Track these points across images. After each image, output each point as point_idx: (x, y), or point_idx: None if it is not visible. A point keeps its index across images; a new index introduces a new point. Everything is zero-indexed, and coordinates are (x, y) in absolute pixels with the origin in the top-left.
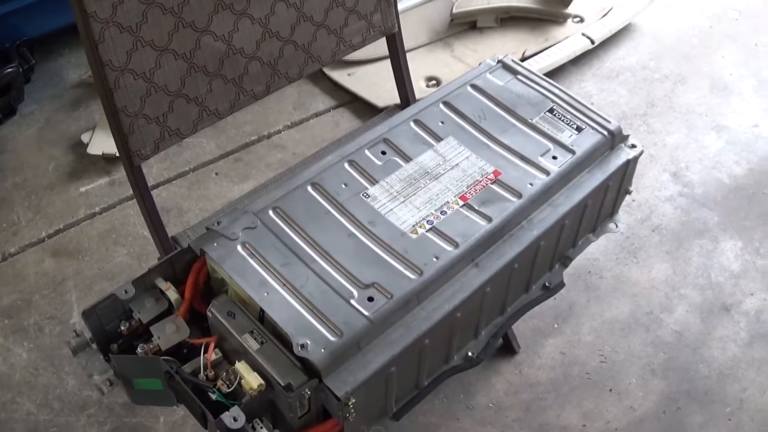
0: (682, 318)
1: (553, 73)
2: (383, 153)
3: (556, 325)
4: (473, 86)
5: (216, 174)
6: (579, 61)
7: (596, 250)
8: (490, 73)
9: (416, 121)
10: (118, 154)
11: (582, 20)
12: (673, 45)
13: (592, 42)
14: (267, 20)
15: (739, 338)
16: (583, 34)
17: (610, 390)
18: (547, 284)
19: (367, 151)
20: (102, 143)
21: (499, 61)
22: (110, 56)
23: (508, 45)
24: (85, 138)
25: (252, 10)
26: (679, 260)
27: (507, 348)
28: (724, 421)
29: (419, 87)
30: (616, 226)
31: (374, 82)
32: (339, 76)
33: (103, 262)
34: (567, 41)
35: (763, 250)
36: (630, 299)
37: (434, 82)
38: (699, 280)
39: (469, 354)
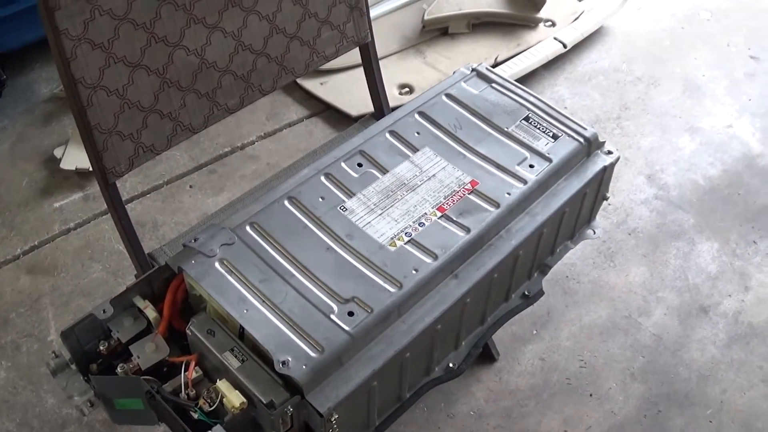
0: (661, 321)
1: (526, 78)
2: (359, 165)
3: (534, 332)
4: (448, 95)
5: (190, 187)
6: (551, 65)
7: (573, 255)
8: (464, 82)
9: (392, 132)
10: (91, 169)
11: (554, 24)
12: (645, 47)
13: (564, 46)
14: (239, 33)
15: (717, 340)
16: (555, 38)
17: (591, 395)
18: (526, 293)
19: (343, 164)
20: (75, 158)
21: (473, 70)
22: (83, 73)
23: (480, 51)
24: (58, 153)
25: (224, 23)
26: (656, 263)
27: (486, 355)
28: (705, 423)
29: (392, 94)
30: (594, 232)
31: (347, 91)
32: (312, 85)
33: (79, 279)
34: (539, 46)
35: (739, 251)
36: (608, 303)
37: (407, 89)
38: (676, 283)
39: (450, 365)
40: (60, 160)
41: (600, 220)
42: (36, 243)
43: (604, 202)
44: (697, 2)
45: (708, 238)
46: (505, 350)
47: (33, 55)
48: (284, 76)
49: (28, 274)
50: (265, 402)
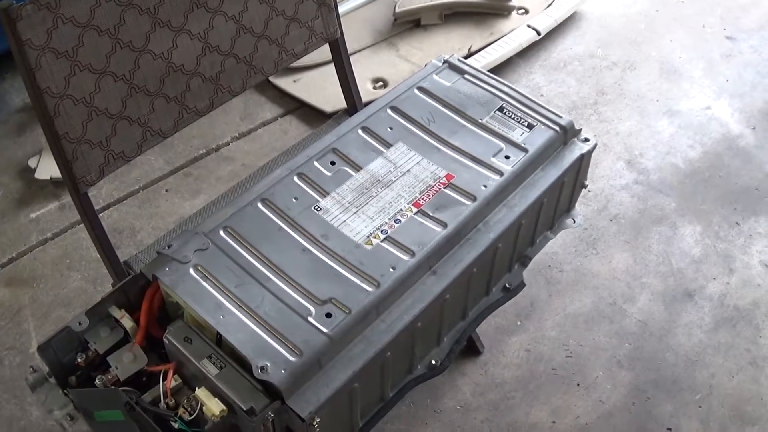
0: (646, 307)
1: (501, 67)
2: (332, 163)
3: (519, 323)
4: (420, 89)
5: (166, 191)
6: (526, 53)
7: (555, 244)
8: (436, 75)
9: (364, 129)
10: None
11: (527, 12)
12: (620, 31)
13: (538, 33)
14: (206, 35)
15: (704, 324)
16: (528, 26)
17: (578, 384)
18: (507, 285)
19: (316, 163)
20: (50, 167)
21: (445, 62)
22: (48, 83)
23: (453, 41)
24: (32, 163)
25: (190, 25)
26: (639, 249)
27: (471, 349)
28: (695, 408)
29: (366, 89)
30: (574, 221)
31: (321, 87)
32: (284, 83)
33: (58, 288)
34: (513, 34)
35: (722, 233)
36: (592, 291)
37: (381, 83)
38: (660, 268)
39: (433, 362)
40: (35, 170)
41: (580, 207)
42: (14, 255)
43: (584, 190)
44: None
45: (690, 222)
46: (489, 343)
47: (3, 65)
48: (254, 75)
49: (7, 286)
50: (245, 409)
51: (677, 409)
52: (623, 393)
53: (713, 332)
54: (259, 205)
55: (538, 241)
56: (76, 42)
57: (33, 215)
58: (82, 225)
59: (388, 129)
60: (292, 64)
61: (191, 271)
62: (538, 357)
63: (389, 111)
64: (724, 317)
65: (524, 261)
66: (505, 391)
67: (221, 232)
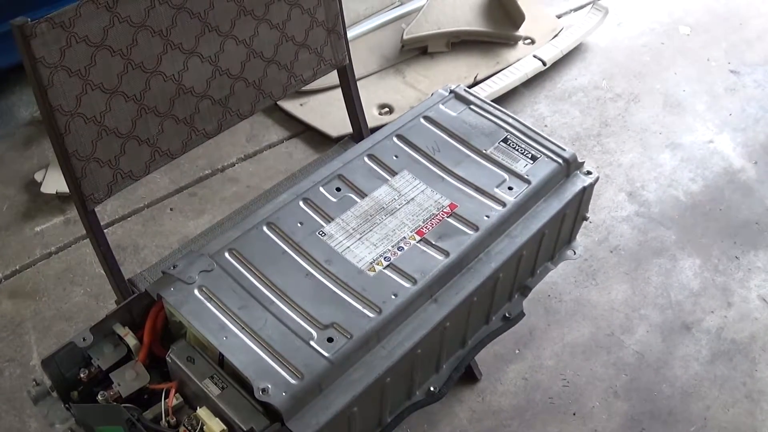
0: (643, 338)
1: (506, 96)
2: (338, 189)
3: (517, 351)
4: (426, 118)
5: (171, 209)
6: (531, 83)
7: (555, 274)
8: (442, 104)
9: (370, 156)
10: None
11: (533, 42)
12: (625, 63)
13: (544, 63)
14: (216, 58)
15: (700, 356)
16: (534, 56)
17: (574, 414)
18: (507, 315)
19: (321, 188)
20: (56, 182)
21: (451, 92)
22: (60, 101)
23: (459, 69)
24: (38, 177)
25: (201, 48)
26: (638, 280)
27: (469, 375)
28: None
29: (372, 115)
30: (575, 253)
31: (327, 112)
32: (291, 106)
33: (61, 303)
34: (519, 64)
35: (721, 266)
36: (590, 322)
37: (387, 109)
38: (659, 300)
39: (432, 389)
40: (41, 184)
41: (581, 238)
42: (17, 267)
43: (585, 222)
44: (677, 17)
45: (690, 255)
46: (487, 370)
47: (12, 78)
48: (262, 100)
49: (9, 298)
50: (245, 429)
51: None
52: (619, 423)
53: (710, 365)
54: (265, 228)
55: (538, 271)
56: (89, 61)
57: (38, 228)
58: (86, 240)
59: (394, 157)
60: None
61: (196, 291)
62: (535, 386)
63: (395, 139)
64: (721, 350)
65: (524, 291)
66: (501, 419)
67: (226, 254)
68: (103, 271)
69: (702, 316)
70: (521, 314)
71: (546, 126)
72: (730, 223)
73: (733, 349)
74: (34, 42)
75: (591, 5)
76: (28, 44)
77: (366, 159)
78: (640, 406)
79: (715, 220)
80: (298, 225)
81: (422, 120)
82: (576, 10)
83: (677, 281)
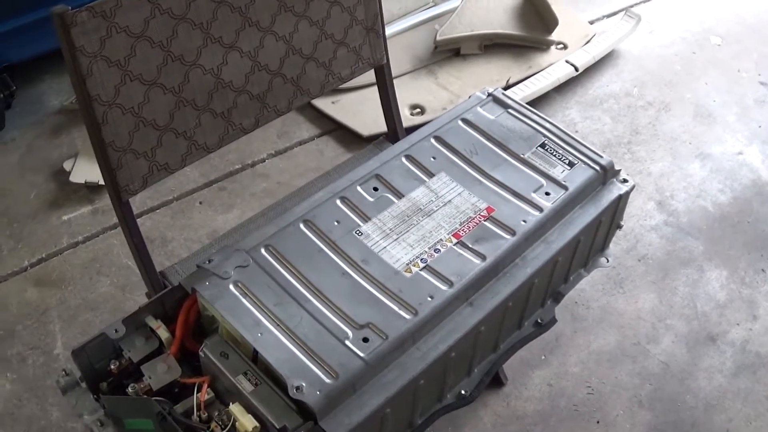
0: (669, 348)
1: (538, 101)
2: (375, 189)
3: (543, 357)
4: (464, 120)
5: (200, 203)
6: (563, 88)
7: (583, 281)
8: (480, 107)
9: (408, 157)
10: (100, 183)
11: (565, 47)
12: (656, 71)
13: (576, 69)
14: (256, 53)
15: (725, 368)
16: (566, 61)
17: (598, 422)
18: (539, 320)
19: (359, 188)
20: (84, 171)
21: (489, 95)
22: (98, 90)
23: (492, 72)
24: (67, 166)
25: (241, 43)
26: (665, 290)
27: (495, 380)
28: None
29: (404, 115)
30: (607, 261)
31: (358, 110)
32: (323, 104)
33: (86, 292)
34: (551, 68)
35: (748, 279)
36: (617, 330)
37: (419, 110)
38: (685, 310)
39: (462, 392)
40: (69, 173)
41: (611, 247)
42: (44, 255)
43: (617, 230)
44: (708, 27)
45: (717, 266)
46: (513, 375)
47: (43, 66)
48: (300, 96)
49: (35, 286)
50: (278, 427)
51: None
52: None
53: (734, 377)
54: (301, 226)
55: (572, 278)
56: (129, 52)
57: (65, 217)
58: (114, 231)
59: (432, 158)
60: None
61: (231, 287)
62: (560, 392)
63: (433, 141)
64: (746, 363)
65: (557, 297)
66: (525, 425)
67: (262, 250)
68: (129, 262)
69: (727, 328)
70: (553, 320)
71: (577, 131)
72: (758, 236)
73: (758, 363)
74: (74, 30)
75: (624, 12)
76: (68, 33)
77: (404, 159)
78: (663, 416)
79: (743, 232)
80: (335, 223)
81: (460, 122)
82: (609, 16)
83: (704, 292)
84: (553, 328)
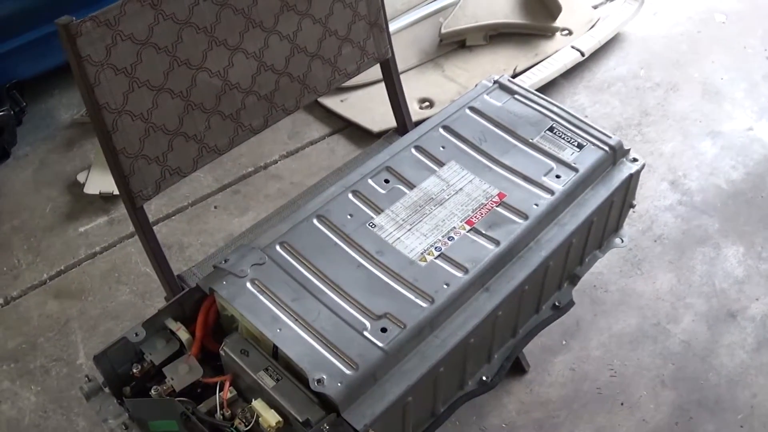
0: (689, 327)
1: (545, 88)
2: (386, 181)
3: (564, 342)
4: (471, 108)
5: (215, 207)
6: (570, 74)
7: (600, 264)
8: (487, 95)
9: (417, 147)
10: (115, 193)
11: (570, 33)
12: (663, 52)
13: (582, 54)
14: (261, 54)
15: (746, 344)
16: (572, 47)
17: (622, 404)
18: (557, 303)
19: (370, 180)
20: (98, 182)
21: (495, 82)
22: (107, 99)
23: (498, 62)
24: (81, 178)
25: (245, 44)
26: (683, 269)
27: (517, 367)
28: (736, 428)
29: (413, 109)
30: (622, 241)
31: (367, 107)
32: (332, 102)
33: (106, 302)
34: (557, 55)
35: (765, 254)
36: (636, 311)
37: (427, 103)
38: (704, 288)
39: (484, 378)
40: (83, 185)
41: (626, 227)
42: (62, 267)
43: (630, 210)
44: (712, 5)
45: (733, 243)
46: (535, 362)
47: (52, 81)
48: (307, 94)
49: (55, 298)
50: (301, 420)
51: (719, 429)
52: (666, 413)
53: (756, 353)
54: (315, 221)
55: (587, 259)
56: (135, 59)
57: (81, 229)
58: (131, 239)
59: (441, 148)
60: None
61: (248, 285)
62: (583, 376)
63: (441, 130)
64: (767, 338)
65: (573, 279)
66: (549, 410)
67: (277, 247)
68: (148, 270)
69: (747, 303)
70: (571, 303)
71: (587, 116)
72: None
73: None
74: (80, 40)
75: None
76: (74, 43)
77: (413, 150)
78: (687, 395)
79: (757, 208)
80: (348, 217)
81: (468, 111)
82: (611, 0)
83: (721, 269)
84: (573, 313)
